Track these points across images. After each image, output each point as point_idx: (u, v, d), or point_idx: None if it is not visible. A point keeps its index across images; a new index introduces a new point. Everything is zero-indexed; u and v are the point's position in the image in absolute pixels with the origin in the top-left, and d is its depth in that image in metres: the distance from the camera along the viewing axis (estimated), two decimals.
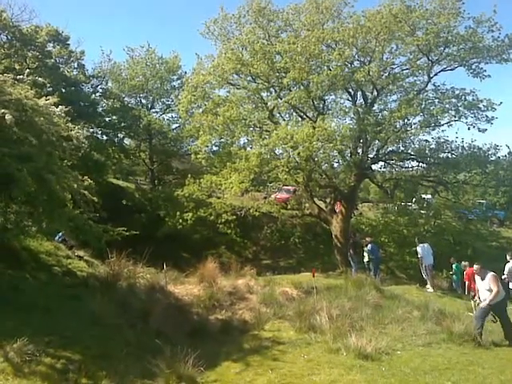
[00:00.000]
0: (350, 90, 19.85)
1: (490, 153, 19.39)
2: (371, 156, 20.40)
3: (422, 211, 20.90)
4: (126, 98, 31.09)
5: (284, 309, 11.32)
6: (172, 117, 32.89)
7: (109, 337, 8.10)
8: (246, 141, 21.26)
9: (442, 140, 19.75)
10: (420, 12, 17.66)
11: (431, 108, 18.21)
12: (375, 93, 19.50)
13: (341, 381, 6.51)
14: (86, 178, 10.67)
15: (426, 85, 19.11)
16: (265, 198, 24.69)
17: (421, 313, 10.74)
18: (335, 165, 21.52)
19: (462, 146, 19.51)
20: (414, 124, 19.01)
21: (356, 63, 18.98)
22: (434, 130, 19.40)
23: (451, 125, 19.12)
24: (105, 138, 28.24)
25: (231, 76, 20.11)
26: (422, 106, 18.32)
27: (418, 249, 15.58)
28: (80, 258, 13.11)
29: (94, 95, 27.59)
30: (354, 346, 7.76)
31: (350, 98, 20.35)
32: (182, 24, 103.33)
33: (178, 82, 31.63)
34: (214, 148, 23.62)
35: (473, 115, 18.39)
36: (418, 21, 17.76)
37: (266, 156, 18.06)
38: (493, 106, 18.14)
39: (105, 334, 8.11)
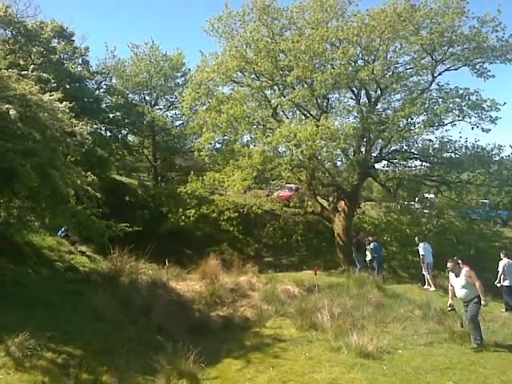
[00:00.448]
0: (354, 89, 19.80)
1: (493, 153, 19.33)
2: (374, 155, 20.38)
3: (425, 210, 20.89)
4: (129, 95, 31.18)
5: (286, 306, 11.34)
6: (176, 114, 32.98)
7: (110, 332, 8.13)
8: (250, 138, 21.28)
9: (446, 139, 19.69)
10: (424, 11, 17.60)
11: (435, 107, 18.13)
12: (379, 92, 19.43)
13: (342, 379, 6.51)
14: (89, 173, 10.69)
15: (430, 84, 19.04)
16: (267, 195, 24.73)
17: (422, 312, 10.72)
18: (338, 163, 21.58)
19: (466, 146, 19.46)
20: (418, 123, 18.94)
21: (360, 62, 18.91)
22: (437, 129, 19.39)
23: (455, 124, 19.11)
24: (108, 134, 28.30)
25: (235, 74, 20.09)
26: (426, 105, 18.24)
27: (420, 247, 15.60)
28: (82, 253, 13.17)
29: (98, 91, 27.69)
30: (356, 344, 7.77)
31: (354, 97, 20.30)
32: (186, 21, 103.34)
33: (182, 79, 31.70)
34: (218, 145, 23.69)
35: (476, 115, 18.30)
36: (423, 20, 17.70)
37: (269, 154, 18.07)
38: (497, 106, 18.05)
39: (106, 330, 8.14)
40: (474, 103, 18.14)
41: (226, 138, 21.97)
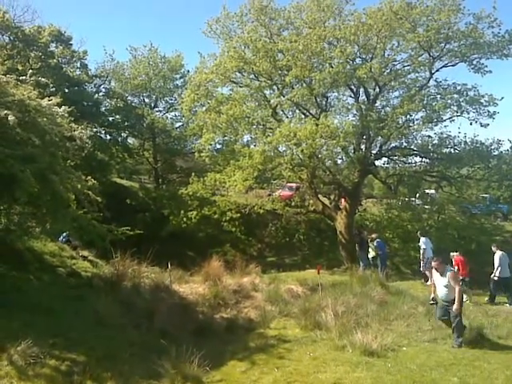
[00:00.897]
0: (353, 87, 19.79)
1: (492, 147, 19.32)
2: (374, 152, 20.36)
3: (426, 206, 20.85)
4: (129, 98, 31.25)
5: (289, 306, 11.32)
6: (175, 115, 33.03)
7: (113, 337, 8.11)
8: (250, 138, 21.26)
9: (445, 135, 19.67)
10: (420, 9, 17.60)
11: (433, 104, 18.16)
12: (377, 89, 19.44)
13: (347, 378, 6.49)
14: (89, 177, 10.68)
15: (428, 81, 19.04)
16: (269, 195, 24.71)
17: (426, 308, 10.65)
18: (339, 161, 21.51)
19: (465, 141, 19.46)
20: (417, 120, 19.00)
21: (358, 60, 18.95)
22: (436, 125, 19.39)
23: (453, 120, 19.13)
24: (108, 137, 28.37)
25: (234, 74, 20.07)
26: (424, 101, 18.27)
27: (422, 242, 15.59)
28: (84, 258, 13.14)
29: (97, 95, 27.74)
30: (360, 342, 7.75)
31: (353, 95, 20.28)
32: (184, 23, 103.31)
33: (181, 80, 31.74)
34: (218, 146, 23.67)
35: (475, 110, 18.33)
36: (419, 17, 17.68)
37: (270, 153, 18.04)
38: (494, 101, 18.09)
39: (109, 335, 8.13)
40: (471, 99, 18.18)
41: (226, 138, 21.97)
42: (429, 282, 15.21)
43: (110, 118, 27.76)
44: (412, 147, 20.27)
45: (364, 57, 18.86)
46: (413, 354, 7.61)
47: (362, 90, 19.83)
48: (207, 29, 20.90)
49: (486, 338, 8.69)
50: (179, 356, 6.93)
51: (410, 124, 19.00)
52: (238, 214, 21.21)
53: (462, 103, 18.25)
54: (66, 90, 22.38)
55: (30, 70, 12.47)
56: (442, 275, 8.44)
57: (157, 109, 32.82)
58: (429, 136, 19.89)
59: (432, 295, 8.93)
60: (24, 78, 9.74)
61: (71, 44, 25.05)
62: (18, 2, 54.14)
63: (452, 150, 19.69)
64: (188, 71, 31.06)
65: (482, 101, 18.15)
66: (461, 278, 12.53)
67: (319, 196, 22.00)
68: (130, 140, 32.36)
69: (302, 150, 16.92)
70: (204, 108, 21.37)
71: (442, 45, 18.00)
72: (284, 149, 18.60)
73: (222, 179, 19.68)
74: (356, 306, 10.47)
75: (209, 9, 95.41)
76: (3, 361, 6.00)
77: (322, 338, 8.70)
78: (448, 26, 17.46)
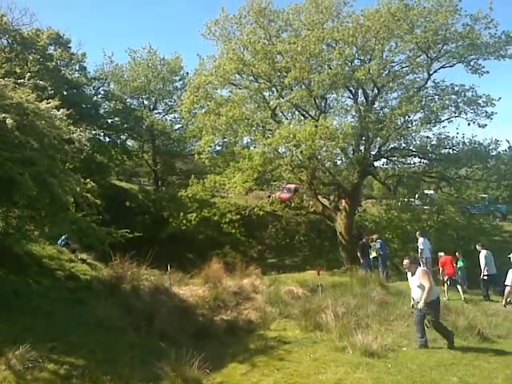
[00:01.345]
0: (351, 89, 19.83)
1: (490, 148, 19.41)
2: (373, 153, 20.40)
3: (425, 207, 20.88)
4: (128, 100, 31.28)
5: (290, 308, 11.32)
6: (175, 117, 33.07)
7: (113, 340, 8.09)
8: (249, 140, 21.28)
9: (443, 136, 19.77)
10: (418, 10, 17.69)
11: (431, 105, 18.25)
12: (376, 91, 19.50)
13: (347, 379, 6.47)
14: (88, 180, 10.69)
15: (426, 82, 19.12)
16: (269, 196, 24.70)
17: None
18: (338, 162, 21.55)
19: (463, 142, 19.54)
20: (415, 121, 19.08)
21: (356, 62, 19.02)
22: (434, 126, 19.47)
23: (451, 121, 19.22)
24: (107, 139, 28.38)
25: (233, 76, 20.10)
26: (423, 102, 18.34)
27: (420, 242, 15.63)
28: (83, 261, 13.10)
29: (95, 97, 27.75)
30: (360, 343, 7.73)
31: (352, 97, 20.35)
32: (183, 25, 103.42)
33: (180, 82, 31.79)
34: (218, 148, 23.72)
35: (472, 111, 18.44)
36: (416, 19, 17.77)
37: (270, 155, 18.07)
38: (492, 102, 18.18)
39: (109, 338, 8.10)
40: (469, 99, 18.29)
41: (225, 140, 21.99)
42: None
43: (109, 120, 27.75)
44: (411, 148, 20.31)
45: (362, 58, 18.92)
46: (413, 355, 7.59)
47: (360, 91, 19.89)
48: (206, 31, 20.96)
49: (485, 338, 8.70)
50: (179, 358, 6.90)
51: (409, 125, 19.08)
52: (238, 216, 21.19)
53: (459, 104, 18.37)
54: (65, 93, 22.37)
55: (28, 73, 12.44)
56: (413, 275, 8.19)
57: (156, 111, 32.89)
58: (427, 137, 19.99)
59: (412, 301, 8.48)
60: (22, 80, 9.74)
61: (70, 47, 25.07)
62: (16, 4, 54.21)
63: (450, 151, 19.78)
64: (187, 73, 31.16)
65: (480, 101, 18.25)
66: (446, 277, 13.79)
67: (319, 197, 22.00)
68: (130, 142, 32.38)
69: (302, 152, 16.94)
70: (203, 110, 21.39)
71: (440, 46, 18.08)
72: (283, 150, 18.64)
73: (221, 181, 19.69)
74: (356, 307, 10.45)
75: (207, 11, 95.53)
76: (1, 365, 5.98)
77: (323, 339, 8.68)
78: (445, 27, 17.55)
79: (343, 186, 20.37)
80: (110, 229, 11.16)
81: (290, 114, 21.58)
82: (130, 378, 6.72)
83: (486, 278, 13.26)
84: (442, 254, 14.74)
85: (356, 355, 7.51)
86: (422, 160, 21.02)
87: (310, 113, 20.50)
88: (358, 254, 16.96)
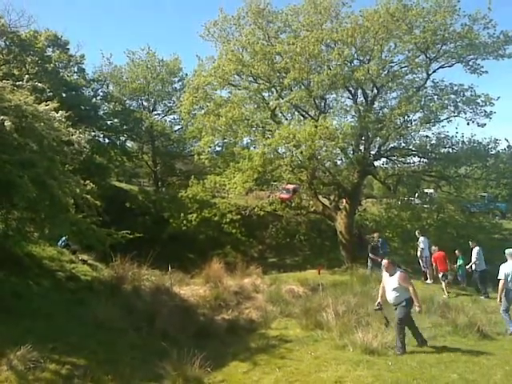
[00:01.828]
0: (351, 89, 19.84)
1: (489, 147, 19.42)
2: (373, 153, 20.42)
3: (425, 205, 20.90)
4: (127, 101, 31.29)
5: (290, 306, 11.38)
6: (174, 118, 33.10)
7: (114, 341, 8.12)
8: (249, 141, 21.34)
9: (443, 135, 19.79)
10: (417, 10, 17.70)
11: (431, 104, 18.26)
12: (375, 91, 19.51)
13: (348, 377, 6.48)
14: (88, 181, 10.71)
15: (425, 82, 19.13)
16: (269, 196, 24.68)
17: (426, 306, 10.65)
18: (338, 162, 21.55)
19: (462, 141, 19.55)
20: (414, 120, 19.11)
21: (355, 62, 19.00)
22: (434, 125, 19.51)
23: (451, 120, 19.23)
24: (107, 141, 28.36)
25: (232, 77, 20.11)
26: (422, 102, 18.36)
27: (420, 241, 15.72)
28: (84, 262, 13.13)
29: (94, 99, 27.74)
30: (361, 341, 7.74)
31: (351, 97, 20.35)
32: (181, 26, 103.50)
33: (180, 83, 31.82)
34: (217, 148, 23.73)
35: (471, 110, 18.48)
36: (415, 19, 17.78)
37: (270, 155, 18.09)
38: (491, 101, 18.22)
39: (110, 338, 8.12)
40: (468, 99, 18.35)
41: (225, 141, 22.04)
42: (428, 281, 15.42)
43: (109, 122, 27.72)
44: (410, 147, 20.33)
45: (361, 59, 18.92)
46: (413, 352, 7.60)
47: (360, 91, 19.90)
48: (205, 32, 20.95)
49: (485, 335, 8.75)
50: (180, 358, 6.93)
51: (408, 125, 19.11)
52: (239, 216, 21.21)
53: (458, 103, 18.43)
54: (64, 95, 22.35)
55: (27, 75, 12.48)
56: (391, 276, 7.87)
57: (155, 112, 32.91)
58: (427, 136, 20.01)
59: (378, 300, 8.23)
60: (20, 83, 9.75)
61: (68, 48, 25.02)
62: (14, 6, 54.15)
63: (450, 150, 19.79)
64: (186, 74, 31.17)
65: (479, 101, 18.30)
66: (441, 273, 14.39)
67: (319, 197, 22.03)
68: (129, 143, 32.38)
69: (302, 152, 16.97)
70: (203, 111, 21.41)
71: (439, 46, 18.11)
72: (283, 151, 18.66)
73: (221, 181, 19.71)
74: (357, 306, 10.47)
75: (206, 12, 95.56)
76: (3, 366, 6.00)
77: (323, 338, 8.71)
78: (444, 28, 17.56)
79: (343, 185, 20.39)
80: (111, 230, 11.17)
81: (289, 115, 21.65)
82: (132, 377, 6.74)
83: (476, 273, 13.83)
84: (435, 248, 15.15)
85: (356, 353, 7.53)
86: (422, 159, 21.07)
87: (310, 113, 20.54)
88: (370, 255, 16.81)
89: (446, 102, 18.35)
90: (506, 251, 9.85)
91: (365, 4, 31.76)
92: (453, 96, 18.41)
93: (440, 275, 14.54)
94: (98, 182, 14.56)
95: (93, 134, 26.24)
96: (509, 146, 19.88)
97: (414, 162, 21.59)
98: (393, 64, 19.11)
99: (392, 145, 20.36)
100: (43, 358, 6.33)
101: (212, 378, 7.05)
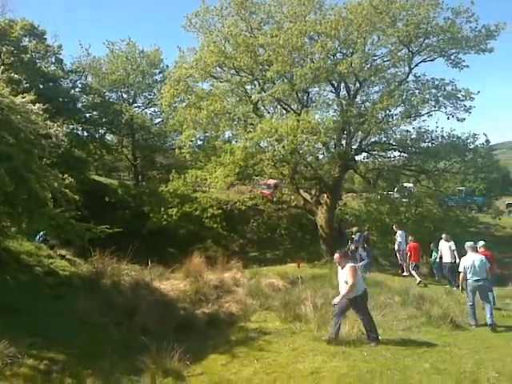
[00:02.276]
0: (334, 82, 19.88)
1: (468, 141, 19.74)
2: (355, 147, 20.55)
3: (404, 200, 21.21)
4: (106, 93, 30.73)
5: (270, 300, 11.47)
6: (155, 111, 32.71)
7: (94, 336, 8.10)
8: (231, 135, 21.25)
9: (423, 130, 20.03)
10: (400, 3, 17.78)
11: (412, 99, 18.43)
12: (358, 84, 19.60)
13: (324, 368, 6.62)
14: (66, 175, 10.60)
15: (407, 76, 19.30)
16: (250, 191, 24.71)
17: (402, 298, 11.05)
18: (320, 157, 21.66)
19: (442, 136, 19.81)
20: (396, 115, 19.26)
21: (338, 55, 19.02)
22: (414, 120, 19.71)
23: (431, 115, 19.47)
24: (85, 134, 27.88)
25: (214, 69, 19.92)
26: (404, 96, 18.53)
27: (398, 235, 16.03)
28: (62, 257, 12.97)
29: (73, 91, 27.20)
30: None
31: (334, 90, 20.39)
32: (162, 17, 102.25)
33: (160, 75, 31.43)
34: (199, 142, 23.58)
35: (452, 105, 18.74)
36: (398, 12, 17.86)
37: (251, 149, 18.03)
38: (471, 96, 18.48)
39: (89, 333, 8.10)
40: (449, 93, 18.58)
41: (207, 134, 21.91)
42: (405, 273, 15.79)
43: (87, 115, 27.22)
44: (391, 142, 20.54)
45: (345, 52, 18.94)
46: (388, 343, 7.81)
47: (342, 85, 19.95)
48: (186, 23, 20.71)
49: (457, 325, 9.07)
50: (160, 352, 6.96)
51: (389, 119, 19.25)
52: (220, 211, 21.14)
53: (439, 98, 18.66)
54: (41, 86, 21.90)
55: (2, 66, 12.19)
56: (342, 269, 7.95)
57: (135, 104, 32.45)
58: (407, 131, 20.24)
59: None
60: None
61: (45, 38, 24.46)
62: None
63: (430, 145, 20.06)
64: (167, 66, 30.82)
65: (459, 95, 18.54)
66: (413, 263, 15.19)
67: (300, 191, 22.15)
68: (108, 136, 31.87)
69: (284, 146, 16.99)
70: (184, 104, 21.22)
71: (421, 40, 18.24)
72: (265, 145, 18.62)
73: (203, 176, 19.58)
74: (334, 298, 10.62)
75: (188, 2, 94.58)
76: None
77: (302, 330, 8.82)
78: (427, 21, 17.69)
79: (324, 180, 20.52)
80: (90, 224, 11.07)
81: (271, 108, 21.64)
82: (111, 372, 6.74)
83: (446, 265, 14.35)
84: (411, 238, 15.73)
85: (333, 344, 7.66)
86: (402, 154, 21.30)
87: (292, 107, 20.53)
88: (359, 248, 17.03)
89: (427, 96, 18.58)
90: (466, 244, 10.21)
91: None
92: (434, 90, 18.64)
93: (411, 265, 15.22)
94: (76, 175, 14.35)
95: (71, 126, 25.84)
96: (487, 141, 20.28)
97: (395, 157, 21.87)
98: (375, 57, 19.24)
99: (373, 139, 20.54)
100: (21, 354, 6.29)
101: (191, 370, 7.11)
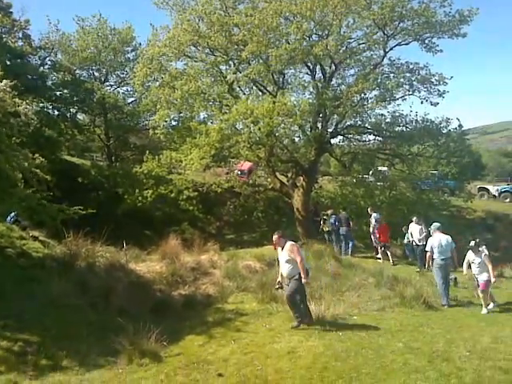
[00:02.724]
0: (309, 64, 19.81)
1: (441, 126, 20.05)
2: (330, 130, 20.70)
3: (378, 183, 21.57)
4: (77, 71, 29.65)
5: (247, 281, 11.55)
6: (127, 90, 31.80)
7: (69, 318, 7.99)
8: (206, 115, 20.99)
9: (397, 114, 20.24)
10: None
11: (387, 82, 18.61)
12: (333, 67, 19.57)
13: (300, 347, 6.74)
14: (37, 155, 10.27)
15: (382, 59, 19.38)
16: (227, 173, 24.59)
17: (376, 279, 11.33)
18: (296, 139, 21.70)
19: (416, 120, 20.07)
20: (371, 98, 19.37)
21: (314, 37, 18.88)
22: (389, 104, 19.83)
23: (405, 99, 19.64)
24: (56, 113, 26.94)
25: (188, 48, 19.55)
26: (378, 80, 18.68)
27: (372, 217, 16.38)
28: (35, 238, 12.59)
29: (42, 68, 26.12)
30: (314, 313, 8.01)
31: (309, 73, 20.34)
32: None
33: (133, 54, 30.47)
34: (173, 123, 23.12)
35: (426, 89, 19.00)
36: None
37: (227, 131, 17.85)
38: (444, 81, 18.76)
39: (65, 315, 7.99)
40: (423, 78, 18.79)
41: (181, 115, 21.52)
42: (379, 255, 16.21)
43: (58, 93, 26.22)
44: (366, 125, 20.74)
45: (320, 34, 18.81)
46: (362, 322, 8.02)
47: (318, 67, 19.89)
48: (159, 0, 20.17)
49: (430, 306, 9.36)
50: (137, 333, 6.96)
51: (365, 102, 19.38)
52: (196, 193, 20.99)
53: (413, 82, 18.86)
54: (8, 63, 20.92)
55: None
56: (282, 250, 7.76)
57: (107, 83, 31.40)
58: (382, 114, 20.45)
59: (278, 278, 8.10)
60: None
61: (11, 12, 23.30)
62: None
63: (404, 129, 20.30)
64: (140, 44, 29.82)
65: (433, 80, 18.79)
66: (382, 243, 15.91)
67: (277, 174, 22.20)
68: (80, 116, 30.93)
69: (260, 128, 16.89)
70: (157, 83, 20.82)
71: (396, 23, 18.29)
72: (241, 127, 18.47)
73: (178, 157, 19.26)
74: (311, 279, 10.77)
75: None
76: None
77: (278, 311, 8.96)
78: (402, 4, 17.72)
79: (301, 163, 20.61)
80: (62, 205, 10.83)
81: (247, 89, 21.44)
82: (88, 353, 6.71)
83: (417, 247, 14.73)
84: (378, 217, 16.28)
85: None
86: (377, 137, 21.57)
87: (268, 88, 20.40)
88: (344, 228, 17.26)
89: (402, 80, 18.75)
90: (432, 226, 10.66)
91: None
92: (408, 74, 18.82)
93: (380, 245, 15.88)
94: (47, 155, 13.90)
95: (41, 105, 24.95)
96: (460, 125, 20.66)
97: (370, 140, 22.16)
98: (351, 40, 19.16)
99: (348, 123, 20.67)
100: None
101: (168, 351, 7.13)
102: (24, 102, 9.62)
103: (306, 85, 20.47)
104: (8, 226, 12.31)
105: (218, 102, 19.68)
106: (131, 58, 30.41)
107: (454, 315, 9.03)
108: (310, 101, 18.74)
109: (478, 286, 9.59)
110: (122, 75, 31.45)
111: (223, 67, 20.07)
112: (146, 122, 28.06)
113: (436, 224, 10.78)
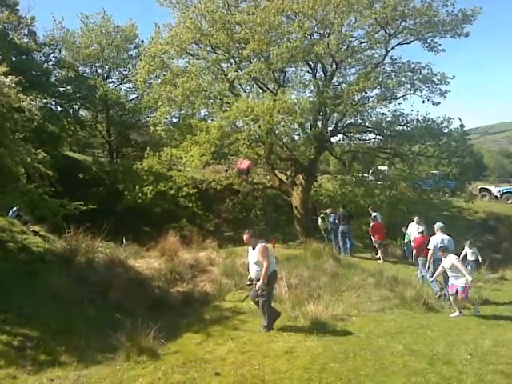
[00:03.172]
0: (310, 63, 19.80)
1: (443, 125, 19.97)
2: (330, 129, 20.67)
3: (378, 182, 21.53)
4: (80, 68, 29.76)
5: (245, 279, 11.52)
6: (129, 87, 31.78)
7: (68, 313, 8.03)
8: (207, 113, 21.02)
9: (398, 113, 20.22)
10: None
11: (388, 81, 18.55)
12: (334, 66, 19.54)
13: (298, 347, 6.73)
14: (39, 150, 10.32)
15: (384, 58, 19.33)
16: (226, 170, 24.63)
17: (375, 280, 11.30)
18: (296, 137, 21.70)
19: (417, 119, 20.02)
20: (372, 97, 19.38)
21: (316, 35, 18.85)
22: (390, 103, 19.84)
23: (407, 98, 19.56)
24: (59, 108, 26.97)
25: (190, 46, 19.57)
26: (380, 79, 18.61)
27: (372, 216, 16.39)
28: (36, 233, 12.68)
29: (46, 64, 26.22)
30: (312, 313, 8.05)
31: (310, 71, 20.34)
32: None
33: (135, 51, 30.52)
34: (174, 120, 23.18)
35: (427, 89, 18.91)
36: None
37: (227, 128, 17.92)
38: (446, 80, 18.67)
39: (64, 310, 8.04)
40: (424, 77, 18.71)
41: (182, 112, 21.56)
42: (378, 255, 16.22)
43: (61, 89, 26.33)
44: (367, 124, 20.71)
45: (322, 32, 18.77)
46: (361, 323, 8.03)
47: (319, 65, 19.87)
48: None
49: (430, 308, 9.37)
50: (135, 329, 6.98)
51: (365, 101, 19.37)
52: (195, 190, 21.01)
53: (415, 81, 18.79)
54: (13, 59, 20.95)
55: None
56: (253, 249, 7.72)
57: (110, 80, 31.44)
58: (383, 113, 20.45)
59: (249, 275, 8.09)
60: None
61: (18, 9, 23.36)
62: None
63: (405, 128, 20.23)
64: (142, 41, 29.95)
65: (435, 79, 18.71)
66: (378, 241, 15.86)
67: (276, 172, 22.21)
68: (83, 112, 30.96)
69: (260, 126, 16.90)
70: (159, 80, 20.81)
71: (398, 22, 18.21)
72: (241, 124, 18.51)
73: (178, 154, 19.34)
74: (309, 279, 10.87)
75: None
76: None
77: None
78: (404, 3, 17.66)
79: (300, 161, 20.61)
80: (63, 201, 10.89)
81: (248, 87, 21.44)
82: (86, 348, 6.74)
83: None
84: (375, 214, 16.27)
85: (307, 324, 7.83)
86: (377, 136, 21.45)
87: (269, 86, 20.41)
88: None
89: (403, 79, 18.70)
90: (436, 225, 10.77)
91: None
92: (410, 73, 18.76)
93: (376, 244, 15.86)
94: (50, 151, 13.92)
95: (44, 101, 24.98)
96: (461, 125, 20.54)
97: (370, 139, 22.05)
98: (352, 39, 19.09)
99: (349, 121, 20.66)
100: None
101: (166, 349, 7.14)
102: (28, 98, 9.66)
103: (306, 83, 20.54)
104: (10, 220, 12.39)
105: (219, 99, 19.71)
106: (134, 55, 30.49)
107: (454, 318, 9.00)
108: (311, 99, 18.74)
109: (455, 293, 9.07)
110: (124, 72, 31.48)
111: (224, 65, 20.09)
112: (148, 119, 28.05)
113: (439, 224, 10.90)
